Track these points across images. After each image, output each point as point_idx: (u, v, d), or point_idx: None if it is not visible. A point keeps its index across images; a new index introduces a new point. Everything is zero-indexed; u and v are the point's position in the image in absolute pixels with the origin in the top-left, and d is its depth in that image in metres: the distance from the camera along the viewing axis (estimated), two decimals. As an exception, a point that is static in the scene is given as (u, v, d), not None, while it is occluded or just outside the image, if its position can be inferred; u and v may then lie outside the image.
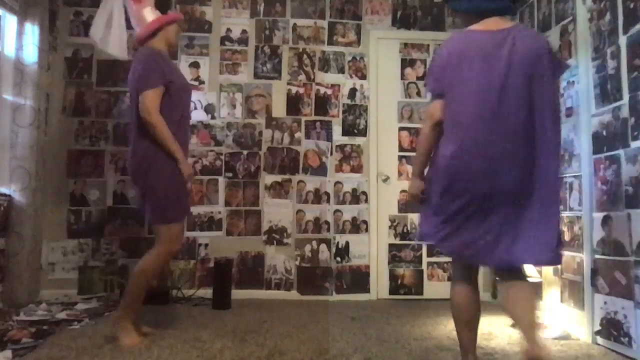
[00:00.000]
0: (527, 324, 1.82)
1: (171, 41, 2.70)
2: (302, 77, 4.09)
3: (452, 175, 1.86)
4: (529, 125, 1.80)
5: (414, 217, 3.96)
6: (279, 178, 4.00)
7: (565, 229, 2.92)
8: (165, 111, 2.44)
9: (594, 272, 2.64)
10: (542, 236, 1.81)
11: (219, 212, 3.90)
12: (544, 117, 1.80)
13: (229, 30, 4.08)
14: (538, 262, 2.24)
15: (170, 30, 2.66)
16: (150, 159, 2.46)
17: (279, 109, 4.05)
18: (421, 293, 3.94)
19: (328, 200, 4.01)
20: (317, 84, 4.09)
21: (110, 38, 2.98)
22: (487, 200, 1.83)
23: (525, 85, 1.80)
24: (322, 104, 4.08)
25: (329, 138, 4.06)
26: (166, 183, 2.47)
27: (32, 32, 3.46)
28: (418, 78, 4.09)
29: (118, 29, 2.96)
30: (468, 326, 1.98)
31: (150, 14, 2.64)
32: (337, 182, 4.02)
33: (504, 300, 2.05)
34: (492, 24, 1.90)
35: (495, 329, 2.92)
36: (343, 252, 3.97)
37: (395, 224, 4.01)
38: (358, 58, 4.14)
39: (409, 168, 4.02)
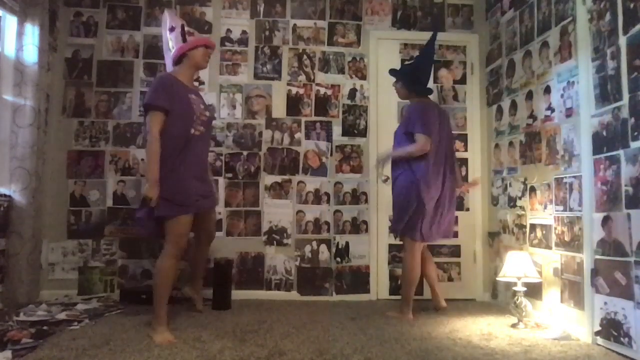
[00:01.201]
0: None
1: (197, 64, 2.95)
2: (302, 77, 4.09)
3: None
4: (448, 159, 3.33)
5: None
6: (279, 178, 4.00)
7: (565, 229, 2.93)
8: (165, 133, 2.69)
9: (594, 273, 2.64)
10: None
11: (219, 213, 3.89)
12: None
13: (229, 30, 4.08)
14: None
15: (194, 55, 2.90)
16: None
17: (279, 110, 4.05)
18: (421, 293, 3.92)
19: (328, 201, 4.01)
20: (317, 84, 4.09)
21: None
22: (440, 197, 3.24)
23: (450, 138, 3.44)
24: (322, 105, 4.08)
25: (329, 138, 4.06)
26: (162, 182, 2.67)
27: (32, 33, 3.47)
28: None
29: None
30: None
31: (175, 42, 2.91)
32: (337, 183, 4.02)
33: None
34: (428, 101, 3.42)
35: (496, 330, 2.92)
36: (343, 252, 3.97)
37: (395, 224, 4.01)
38: (358, 58, 4.14)
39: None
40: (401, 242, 3.40)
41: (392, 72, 3.53)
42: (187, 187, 2.73)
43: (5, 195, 3.34)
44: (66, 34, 3.95)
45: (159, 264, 2.70)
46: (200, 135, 2.86)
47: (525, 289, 3.04)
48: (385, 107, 4.11)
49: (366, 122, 4.09)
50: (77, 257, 3.80)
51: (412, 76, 3.40)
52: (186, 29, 2.96)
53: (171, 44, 2.96)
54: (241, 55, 4.08)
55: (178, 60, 2.92)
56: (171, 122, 2.72)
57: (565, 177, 2.94)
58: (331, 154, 4.05)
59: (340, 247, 3.97)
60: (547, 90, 3.17)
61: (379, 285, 3.95)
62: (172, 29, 2.97)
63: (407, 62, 3.65)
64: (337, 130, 4.07)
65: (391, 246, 3.99)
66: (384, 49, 4.16)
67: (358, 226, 4.00)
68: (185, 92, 2.84)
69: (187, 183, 2.73)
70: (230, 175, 3.96)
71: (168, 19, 3.11)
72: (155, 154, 2.65)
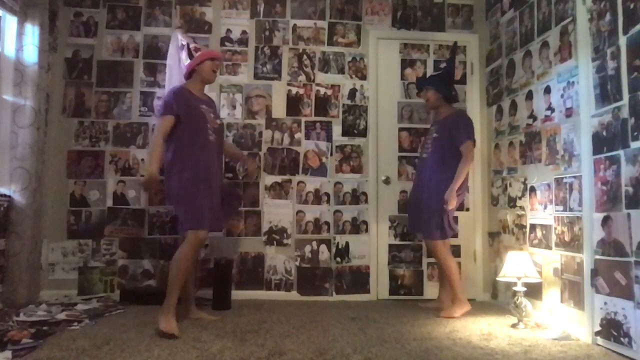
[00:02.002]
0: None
1: (204, 77, 3.12)
2: (302, 77, 4.09)
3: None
4: None
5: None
6: (279, 179, 4.00)
7: (565, 229, 2.93)
8: (178, 136, 2.90)
9: (594, 273, 2.64)
10: None
11: (219, 213, 3.90)
12: None
13: (229, 31, 4.08)
14: None
15: (201, 70, 3.09)
16: (167, 170, 2.94)
17: (279, 110, 4.05)
18: (421, 293, 3.94)
19: (328, 201, 4.01)
20: (317, 84, 4.09)
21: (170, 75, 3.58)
22: None
23: None
24: (322, 105, 4.08)
25: (329, 138, 4.06)
26: (177, 192, 2.89)
27: (32, 33, 3.47)
28: (418, 78, 4.08)
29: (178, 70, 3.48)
30: None
31: (185, 59, 3.16)
32: (337, 183, 4.02)
33: None
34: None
35: (496, 330, 2.92)
36: (343, 252, 3.97)
37: (395, 224, 4.01)
38: (358, 58, 4.14)
39: (409, 169, 4.04)
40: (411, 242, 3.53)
41: (424, 81, 3.74)
42: (204, 204, 2.86)
43: (5, 195, 3.34)
44: (66, 34, 3.95)
45: (180, 253, 2.82)
46: (214, 143, 3.03)
47: (525, 289, 3.04)
48: (385, 107, 4.11)
49: (366, 122, 4.09)
50: (77, 257, 3.79)
51: (446, 82, 3.60)
52: (192, 45, 3.17)
53: (184, 60, 3.20)
54: (241, 55, 4.07)
55: (189, 75, 3.13)
56: (183, 128, 2.90)
57: (565, 177, 2.94)
58: (331, 154, 4.05)
59: (340, 247, 3.97)
60: (547, 90, 3.17)
61: (379, 285, 3.95)
62: (182, 47, 3.22)
63: (434, 73, 3.90)
64: (337, 130, 4.07)
65: (391, 246, 3.99)
66: (384, 49, 4.16)
67: (358, 226, 4.00)
68: (197, 102, 3.02)
69: (203, 200, 2.86)
70: (230, 175, 3.95)
71: (179, 37, 3.40)
72: (158, 146, 2.85)
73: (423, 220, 3.46)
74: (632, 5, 2.41)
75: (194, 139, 2.91)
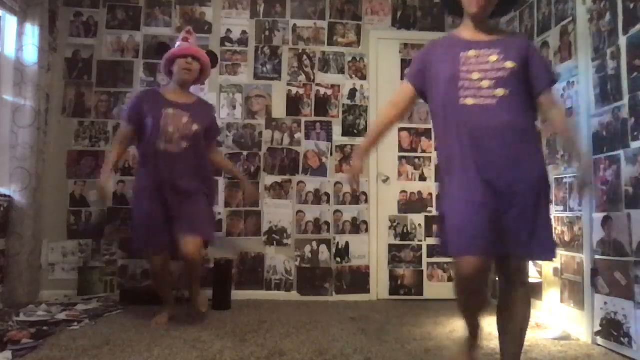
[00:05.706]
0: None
1: (176, 78, 2.93)
2: (302, 77, 4.09)
3: None
4: None
5: (413, 218, 3.97)
6: (279, 179, 3.99)
7: (565, 229, 2.92)
8: (138, 147, 2.91)
9: (594, 273, 2.64)
10: None
11: (219, 213, 3.90)
12: None
13: (229, 31, 4.08)
14: None
15: (175, 70, 2.91)
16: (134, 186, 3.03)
17: (279, 110, 4.05)
18: (421, 293, 3.94)
19: (328, 201, 4.01)
20: (317, 84, 4.09)
21: None
22: None
23: None
24: (322, 105, 4.08)
25: (329, 138, 4.06)
26: (133, 210, 2.92)
27: (32, 33, 3.47)
28: None
29: None
30: None
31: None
32: (337, 183, 4.02)
33: None
34: None
35: (495, 330, 2.91)
36: (343, 252, 3.97)
37: (395, 224, 4.01)
38: (358, 58, 4.14)
39: (409, 168, 4.04)
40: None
41: None
42: (146, 224, 2.80)
43: (5, 195, 3.34)
44: (66, 34, 3.95)
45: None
46: (177, 153, 2.76)
47: (525, 289, 3.03)
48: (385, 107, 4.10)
49: (366, 122, 4.08)
50: (77, 258, 3.79)
51: None
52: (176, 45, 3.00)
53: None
54: (241, 55, 4.07)
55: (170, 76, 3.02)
56: (141, 136, 2.84)
57: (565, 177, 2.94)
58: (331, 154, 4.05)
59: (340, 247, 3.97)
60: (547, 90, 3.17)
61: (379, 285, 3.95)
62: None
63: None
64: (337, 130, 4.07)
65: (391, 246, 3.99)
66: (384, 49, 4.16)
67: (358, 226, 4.00)
68: (163, 106, 2.80)
69: (146, 219, 2.79)
70: (230, 175, 3.95)
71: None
72: (112, 151, 2.89)
73: (521, 228, 1.86)
74: (632, 5, 2.41)
75: (147, 147, 2.79)
